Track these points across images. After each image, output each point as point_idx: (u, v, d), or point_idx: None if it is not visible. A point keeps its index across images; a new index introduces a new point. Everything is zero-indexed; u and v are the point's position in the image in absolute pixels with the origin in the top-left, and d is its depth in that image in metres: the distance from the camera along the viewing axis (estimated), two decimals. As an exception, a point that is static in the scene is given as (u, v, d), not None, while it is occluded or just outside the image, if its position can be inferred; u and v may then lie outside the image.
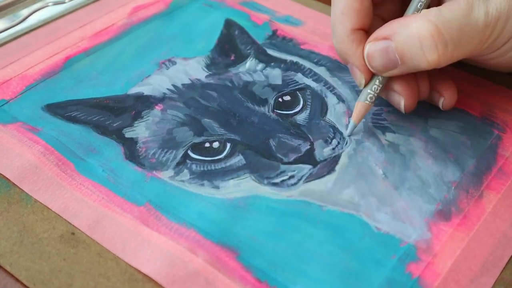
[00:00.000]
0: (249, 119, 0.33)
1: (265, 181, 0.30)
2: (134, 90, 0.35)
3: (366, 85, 0.31)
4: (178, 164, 0.30)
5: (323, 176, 0.30)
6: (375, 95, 0.31)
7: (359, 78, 0.31)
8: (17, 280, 0.26)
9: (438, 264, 0.26)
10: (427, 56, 0.28)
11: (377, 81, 0.31)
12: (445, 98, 0.32)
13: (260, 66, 0.36)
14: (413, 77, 0.31)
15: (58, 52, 0.37)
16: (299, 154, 0.31)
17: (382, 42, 0.30)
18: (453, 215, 0.28)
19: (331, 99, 0.34)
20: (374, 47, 0.30)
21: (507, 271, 0.26)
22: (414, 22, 0.29)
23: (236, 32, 0.39)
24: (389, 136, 0.32)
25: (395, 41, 0.29)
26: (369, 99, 0.31)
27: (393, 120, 0.33)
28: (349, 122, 0.32)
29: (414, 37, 0.28)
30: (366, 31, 0.31)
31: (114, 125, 0.32)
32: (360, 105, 0.31)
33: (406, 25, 0.29)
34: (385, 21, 0.31)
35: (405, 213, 0.28)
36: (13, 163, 0.30)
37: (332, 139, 0.32)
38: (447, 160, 0.31)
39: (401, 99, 0.32)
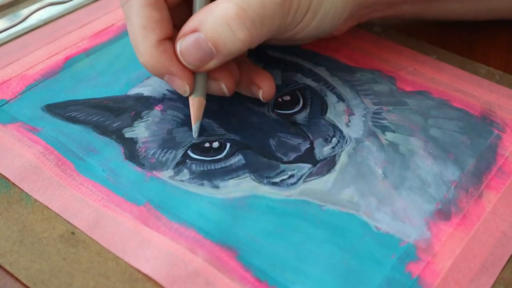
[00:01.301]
0: (249, 119, 0.33)
1: (265, 181, 0.30)
2: (134, 91, 0.35)
3: (191, 91, 0.31)
4: (178, 164, 0.30)
5: (323, 175, 0.30)
6: (204, 89, 0.31)
7: (182, 86, 0.30)
8: (17, 279, 0.26)
9: (437, 263, 0.26)
10: (239, 35, 0.28)
11: (199, 78, 0.30)
12: (263, 90, 0.32)
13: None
14: (225, 65, 0.31)
15: (58, 52, 0.37)
16: (299, 153, 0.31)
17: (192, 36, 0.29)
18: (453, 215, 0.28)
19: (330, 98, 0.34)
20: (185, 43, 0.29)
21: (507, 270, 0.26)
22: (217, 6, 0.28)
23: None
24: (389, 135, 0.32)
25: (204, 31, 0.28)
26: (198, 93, 0.31)
27: (393, 119, 0.33)
28: (349, 120, 0.32)
29: (221, 21, 0.28)
30: (170, 39, 0.30)
31: (114, 125, 0.32)
32: (197, 100, 0.31)
33: (211, 12, 0.28)
34: (179, 29, 0.30)
35: (405, 212, 0.28)
36: (13, 163, 0.30)
37: (332, 138, 0.32)
38: (447, 159, 0.31)
39: (220, 83, 0.31)
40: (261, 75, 0.33)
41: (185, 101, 0.34)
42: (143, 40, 0.29)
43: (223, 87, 0.31)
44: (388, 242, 0.27)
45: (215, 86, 0.31)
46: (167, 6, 0.30)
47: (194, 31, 0.29)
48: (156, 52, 0.29)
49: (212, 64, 0.29)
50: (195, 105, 0.31)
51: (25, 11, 0.41)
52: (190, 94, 0.31)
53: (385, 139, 0.32)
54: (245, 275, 0.26)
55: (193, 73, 0.30)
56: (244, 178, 0.30)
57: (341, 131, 0.32)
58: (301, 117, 0.33)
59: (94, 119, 0.33)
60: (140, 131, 0.32)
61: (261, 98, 0.33)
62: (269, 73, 0.33)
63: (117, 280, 0.26)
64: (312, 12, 0.31)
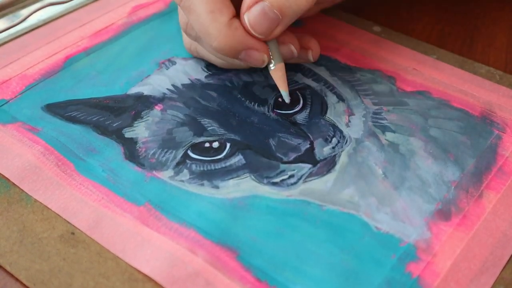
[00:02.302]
0: (249, 119, 0.33)
1: (265, 181, 0.30)
2: (134, 90, 0.35)
3: (269, 61, 0.32)
4: (178, 164, 0.30)
5: (323, 175, 0.30)
6: (280, 55, 0.32)
7: (259, 57, 0.31)
8: (16, 279, 0.26)
9: (438, 263, 0.26)
10: None
11: (273, 46, 0.31)
12: (313, 50, 0.34)
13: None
14: (286, 30, 0.32)
15: (58, 51, 0.37)
16: (299, 153, 0.31)
17: (257, 6, 0.30)
18: (453, 215, 0.28)
19: (330, 98, 0.34)
20: (252, 14, 0.30)
21: (507, 270, 0.26)
22: None
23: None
24: (389, 135, 0.32)
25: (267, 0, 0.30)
26: (279, 59, 0.32)
27: (393, 119, 0.33)
28: (349, 121, 0.32)
29: None
30: (236, 16, 0.31)
31: (114, 125, 0.32)
32: (279, 67, 0.32)
33: None
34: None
35: (405, 212, 0.28)
36: (13, 163, 0.30)
37: (332, 138, 0.32)
38: (447, 159, 0.31)
39: (290, 45, 0.32)
40: (306, 39, 0.34)
41: (185, 100, 0.34)
42: (214, 24, 0.30)
43: (292, 48, 0.32)
44: (388, 242, 0.27)
45: (285, 49, 0.32)
46: None
47: (258, 1, 0.30)
48: (230, 31, 0.30)
49: (279, 29, 0.30)
50: (280, 72, 0.32)
51: (25, 11, 0.41)
52: (269, 63, 0.32)
53: (385, 139, 0.32)
54: (245, 275, 0.26)
55: (267, 45, 0.31)
56: (244, 178, 0.30)
57: (341, 131, 0.32)
58: (301, 117, 0.33)
59: (94, 119, 0.33)
60: (140, 131, 0.32)
61: (311, 59, 0.34)
62: (310, 36, 0.34)
63: (117, 280, 0.26)
64: None
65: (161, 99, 0.34)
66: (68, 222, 0.28)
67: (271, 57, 0.32)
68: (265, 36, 0.31)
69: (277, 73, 0.32)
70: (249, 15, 0.30)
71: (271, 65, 0.32)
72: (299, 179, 0.30)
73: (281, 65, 0.32)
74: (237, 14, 0.31)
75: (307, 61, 0.35)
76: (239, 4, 0.31)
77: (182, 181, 0.30)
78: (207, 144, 0.31)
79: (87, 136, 0.32)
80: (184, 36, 0.36)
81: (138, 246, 0.27)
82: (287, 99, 0.32)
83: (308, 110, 0.33)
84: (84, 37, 0.38)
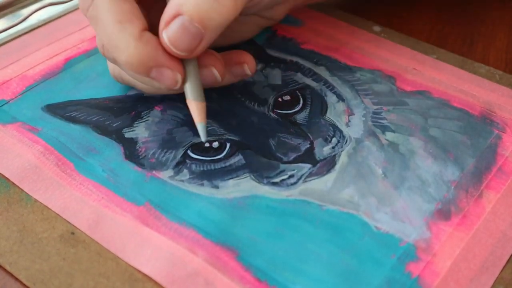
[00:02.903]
0: (249, 119, 0.33)
1: (265, 181, 0.30)
2: (134, 91, 0.35)
3: (183, 81, 0.29)
4: (177, 164, 0.30)
5: (323, 175, 0.30)
6: (200, 85, 0.29)
7: (172, 77, 0.28)
8: (16, 279, 0.26)
9: (437, 263, 0.26)
10: (224, 3, 0.27)
11: (192, 70, 0.29)
12: (247, 62, 0.32)
13: (260, 66, 0.36)
14: (211, 52, 0.30)
15: (58, 53, 0.37)
16: (299, 153, 0.31)
17: (176, 21, 0.27)
18: (453, 215, 0.28)
19: (330, 98, 0.34)
20: (171, 30, 0.27)
21: (507, 270, 0.26)
22: None
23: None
24: (389, 135, 0.32)
25: (187, 12, 0.27)
26: (200, 97, 0.29)
27: (393, 119, 0.33)
28: (349, 120, 0.32)
29: None
30: (148, 30, 0.28)
31: (114, 125, 0.32)
32: (195, 104, 0.29)
33: None
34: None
35: (405, 212, 0.28)
36: (13, 163, 0.30)
37: (332, 138, 0.32)
38: (447, 159, 0.31)
39: (212, 68, 0.30)
40: (238, 54, 0.32)
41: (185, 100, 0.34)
42: (123, 35, 0.27)
43: (215, 72, 0.30)
44: (388, 242, 0.27)
45: (206, 73, 0.30)
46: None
47: (176, 15, 0.27)
48: (140, 44, 0.27)
49: (203, 44, 0.28)
50: (196, 108, 0.29)
51: (25, 11, 0.41)
52: (183, 83, 0.29)
53: (385, 139, 0.32)
54: (245, 275, 0.26)
55: (182, 64, 0.29)
56: (244, 178, 0.30)
57: (341, 131, 0.32)
58: (301, 117, 0.33)
59: (94, 119, 0.33)
60: (140, 131, 0.32)
61: (248, 73, 0.32)
62: (242, 50, 0.33)
63: (117, 280, 0.26)
64: None
65: (161, 100, 0.34)
66: (68, 222, 0.28)
67: (187, 82, 0.29)
68: (188, 53, 0.28)
69: (193, 106, 0.29)
70: (168, 32, 0.27)
71: (188, 94, 0.29)
72: (299, 179, 0.30)
73: (199, 103, 0.29)
74: (152, 31, 0.28)
75: (246, 76, 0.33)
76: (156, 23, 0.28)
77: (182, 181, 0.30)
78: (207, 144, 0.31)
79: (87, 136, 0.32)
80: (108, 62, 0.33)
81: (138, 246, 0.27)
82: (203, 138, 0.29)
83: (308, 110, 0.33)
84: (84, 40, 0.38)
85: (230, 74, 0.32)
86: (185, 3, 0.27)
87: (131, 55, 0.27)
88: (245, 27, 0.36)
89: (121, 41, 0.27)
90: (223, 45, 0.35)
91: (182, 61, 0.29)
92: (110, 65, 0.33)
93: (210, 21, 0.27)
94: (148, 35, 0.28)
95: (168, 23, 0.27)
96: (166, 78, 0.28)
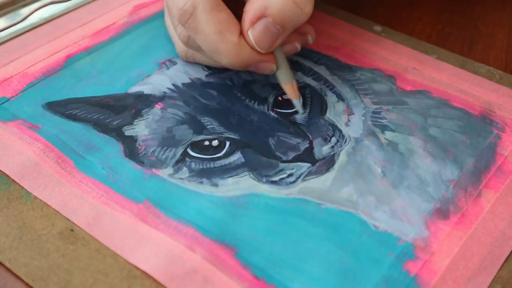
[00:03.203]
0: (249, 117, 0.33)
1: (264, 179, 0.30)
2: (134, 89, 0.35)
3: (277, 68, 0.33)
4: (177, 162, 0.30)
5: (322, 173, 0.30)
6: (289, 67, 0.33)
7: (269, 67, 0.32)
8: (16, 276, 0.26)
9: (435, 262, 0.26)
10: (305, 10, 0.31)
11: (279, 55, 0.33)
12: (310, 34, 0.35)
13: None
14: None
15: (59, 50, 0.37)
16: (298, 153, 0.31)
17: (261, 22, 0.31)
18: (451, 214, 0.28)
19: (330, 98, 0.34)
20: (256, 31, 0.31)
21: (505, 269, 0.26)
22: None
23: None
24: (388, 134, 0.32)
25: (271, 16, 0.30)
26: (291, 79, 0.33)
27: (393, 118, 0.33)
28: (348, 120, 0.32)
29: (287, 2, 0.30)
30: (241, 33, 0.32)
31: (114, 123, 0.33)
32: (290, 86, 0.33)
33: None
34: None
35: (403, 211, 0.28)
36: (13, 160, 0.30)
37: (331, 137, 0.32)
38: (446, 159, 0.31)
39: (294, 43, 0.33)
40: (302, 27, 0.34)
41: (185, 99, 0.34)
42: (224, 44, 0.31)
43: (296, 45, 0.34)
44: (386, 240, 0.27)
45: (289, 47, 0.34)
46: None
47: (261, 17, 0.30)
48: (240, 49, 0.31)
49: (279, 41, 0.32)
50: (290, 89, 0.33)
51: (26, 10, 0.41)
52: (280, 78, 0.33)
53: (385, 138, 0.32)
54: (243, 273, 0.26)
55: (274, 55, 0.32)
56: (243, 176, 0.30)
57: (340, 131, 0.32)
58: (300, 117, 0.33)
59: (94, 117, 0.33)
60: (140, 129, 0.32)
61: (311, 42, 0.35)
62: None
63: (116, 277, 0.26)
64: None
65: (162, 98, 0.34)
66: (68, 219, 0.28)
67: (279, 67, 0.33)
68: (267, 50, 0.31)
69: (290, 89, 0.33)
70: (254, 32, 0.31)
71: (283, 79, 0.33)
72: (298, 177, 0.30)
73: (291, 85, 0.33)
74: (237, 18, 0.31)
75: (308, 45, 0.36)
76: (234, 8, 0.31)
77: (182, 179, 0.30)
78: (206, 142, 0.31)
79: (87, 133, 0.32)
80: (178, 44, 0.36)
81: (137, 243, 0.27)
82: (300, 109, 0.33)
83: (307, 110, 0.33)
84: (85, 36, 0.38)
85: (293, 47, 0.34)
86: (270, 6, 0.30)
87: (233, 60, 0.31)
88: None
89: (223, 49, 0.31)
90: None
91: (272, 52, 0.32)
92: (181, 48, 0.36)
93: (289, 23, 0.31)
94: (243, 40, 0.31)
95: (253, 23, 0.31)
96: (263, 69, 0.32)
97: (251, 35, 0.31)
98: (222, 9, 0.31)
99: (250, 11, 0.31)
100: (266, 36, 0.31)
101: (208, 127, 0.32)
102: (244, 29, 0.31)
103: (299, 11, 0.31)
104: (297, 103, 0.33)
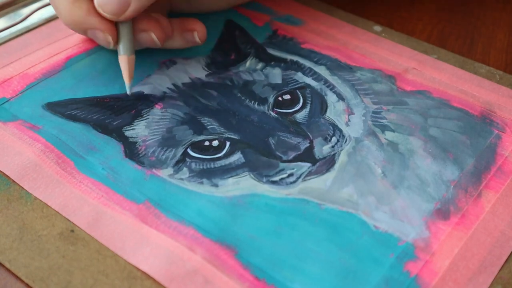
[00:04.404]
0: (249, 117, 0.33)
1: (264, 179, 0.30)
2: (134, 89, 0.35)
3: (116, 41, 0.32)
4: (177, 162, 0.30)
5: (322, 174, 0.30)
6: (131, 43, 0.32)
7: (104, 37, 0.32)
8: (16, 277, 0.26)
9: (436, 262, 0.26)
10: None
11: (124, 30, 0.32)
12: (198, 31, 0.35)
13: (260, 65, 0.36)
14: (154, 17, 0.33)
15: (59, 52, 0.37)
16: (298, 152, 0.31)
17: None
18: (452, 214, 0.28)
19: (330, 97, 0.34)
20: None
21: (505, 270, 0.26)
22: None
23: (237, 32, 0.39)
24: (389, 135, 0.32)
25: None
26: (128, 51, 0.32)
27: (393, 119, 0.33)
28: (348, 120, 0.33)
29: None
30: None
31: (114, 123, 0.33)
32: (123, 59, 0.32)
33: None
34: None
35: (404, 212, 0.28)
36: (13, 161, 0.30)
37: (331, 137, 0.32)
38: (446, 159, 0.31)
39: (150, 33, 0.33)
40: (190, 21, 0.35)
41: (185, 99, 0.34)
42: (61, 1, 0.31)
43: (153, 36, 0.33)
44: (386, 241, 0.27)
45: (146, 37, 0.33)
46: None
47: None
48: (74, 8, 0.31)
49: (130, 10, 0.31)
50: (124, 62, 0.32)
51: (25, 10, 0.41)
52: (115, 45, 0.32)
53: (385, 139, 0.32)
54: (244, 273, 0.26)
55: (115, 26, 0.32)
56: (244, 176, 0.30)
57: (340, 130, 0.32)
58: (301, 116, 0.33)
59: (94, 117, 0.33)
60: (140, 130, 0.32)
61: (197, 40, 0.35)
62: (196, 18, 0.35)
63: (116, 278, 0.26)
64: None
65: (162, 98, 0.34)
66: (68, 220, 0.28)
67: (120, 42, 0.32)
68: (115, 16, 0.31)
69: (122, 63, 0.33)
70: None
71: (120, 51, 0.32)
72: (298, 177, 0.30)
73: (125, 57, 0.32)
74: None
75: (195, 43, 0.35)
76: None
77: (182, 179, 0.30)
78: (206, 143, 0.31)
79: (87, 134, 0.32)
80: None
81: (137, 244, 0.27)
82: (128, 91, 0.33)
83: (308, 109, 0.33)
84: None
85: (182, 39, 0.35)
86: None
87: (67, 18, 0.31)
88: (211, 0, 0.39)
89: (60, 5, 0.31)
90: (193, 12, 0.39)
91: (116, 24, 0.32)
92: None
93: None
94: (83, 1, 0.31)
95: None
96: (99, 39, 0.32)
97: None
98: None
99: None
100: (111, 0, 0.30)
101: (208, 127, 0.32)
102: None
103: None
104: (126, 78, 0.33)
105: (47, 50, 0.37)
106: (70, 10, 0.31)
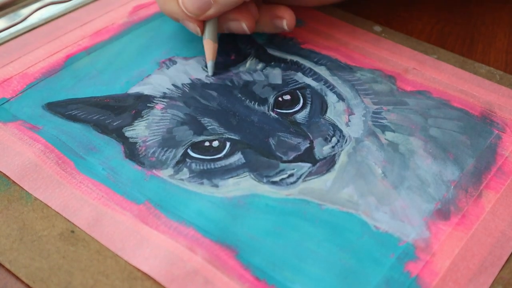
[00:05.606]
0: (249, 118, 0.33)
1: (265, 180, 0.30)
2: (134, 90, 0.35)
3: (203, 32, 0.35)
4: (177, 162, 0.30)
5: (323, 174, 0.30)
6: (215, 33, 0.35)
7: (193, 28, 0.35)
8: (16, 277, 0.26)
9: (436, 263, 0.26)
10: None
11: (210, 22, 0.35)
12: (287, 19, 0.36)
13: (260, 65, 0.36)
14: (245, 6, 0.35)
15: (59, 50, 0.37)
16: (299, 153, 0.31)
17: None
18: (452, 214, 0.28)
19: (331, 98, 0.34)
20: None
21: (506, 270, 0.26)
22: None
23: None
24: (389, 135, 0.32)
25: None
26: (213, 39, 0.35)
27: (393, 119, 0.33)
28: (349, 120, 0.32)
29: None
30: None
31: (114, 124, 0.33)
32: (208, 42, 0.35)
33: None
34: None
35: (404, 212, 0.28)
36: (13, 161, 0.30)
37: (331, 137, 0.32)
38: (447, 159, 0.31)
39: (241, 22, 0.35)
40: (281, 8, 0.36)
41: (185, 100, 0.34)
42: None
43: (244, 26, 0.35)
44: (387, 241, 0.27)
45: (236, 25, 0.35)
46: None
47: None
48: (169, 1, 0.35)
49: (211, 12, 0.33)
50: (207, 45, 0.35)
51: (25, 10, 0.41)
52: (203, 35, 0.35)
53: (385, 139, 0.32)
54: (244, 274, 0.26)
55: (202, 21, 0.35)
56: (244, 177, 0.30)
57: (341, 131, 0.32)
58: (301, 117, 0.33)
59: (94, 117, 0.33)
60: (140, 130, 0.32)
61: (285, 28, 0.36)
62: (286, 6, 0.36)
63: (116, 279, 0.26)
64: None
65: (162, 98, 0.34)
66: (68, 220, 0.28)
67: (206, 31, 0.35)
68: (196, 16, 0.34)
69: (206, 45, 0.35)
70: None
71: (205, 36, 0.35)
72: (299, 178, 0.30)
73: (210, 42, 0.35)
74: None
75: (283, 30, 0.36)
76: None
77: (182, 179, 0.30)
78: (207, 143, 0.31)
79: (88, 134, 0.32)
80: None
81: (138, 245, 0.27)
82: (210, 71, 0.35)
83: (308, 110, 0.33)
84: (85, 36, 0.38)
85: (271, 25, 0.36)
86: None
87: (161, 6, 0.36)
88: None
89: None
90: (304, 5, 0.40)
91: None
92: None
93: None
94: None
95: None
96: (189, 28, 0.35)
97: None
98: None
99: None
100: (194, 1, 0.33)
101: (208, 128, 0.32)
102: None
103: None
104: (211, 63, 0.35)
105: (47, 48, 0.37)
106: (166, 2, 0.35)
